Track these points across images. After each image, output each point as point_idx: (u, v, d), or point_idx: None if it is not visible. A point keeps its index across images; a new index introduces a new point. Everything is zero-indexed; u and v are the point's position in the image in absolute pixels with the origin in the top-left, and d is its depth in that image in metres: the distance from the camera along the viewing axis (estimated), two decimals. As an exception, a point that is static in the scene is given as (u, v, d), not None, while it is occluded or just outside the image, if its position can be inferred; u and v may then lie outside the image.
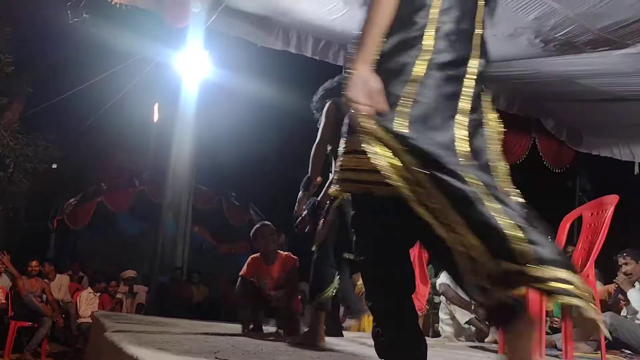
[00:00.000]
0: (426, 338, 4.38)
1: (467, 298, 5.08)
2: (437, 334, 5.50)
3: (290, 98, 6.27)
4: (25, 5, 7.67)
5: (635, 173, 7.33)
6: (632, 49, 4.76)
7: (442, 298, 5.26)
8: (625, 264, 4.29)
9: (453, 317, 5.11)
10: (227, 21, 5.17)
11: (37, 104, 8.62)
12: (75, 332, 7.81)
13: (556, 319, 4.72)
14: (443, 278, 5.32)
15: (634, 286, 4.29)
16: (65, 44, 8.35)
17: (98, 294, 8.07)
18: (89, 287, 8.15)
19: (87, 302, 7.85)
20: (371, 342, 1.81)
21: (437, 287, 5.47)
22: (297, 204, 3.30)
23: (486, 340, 4.87)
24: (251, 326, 3.87)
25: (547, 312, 4.82)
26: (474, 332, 5.09)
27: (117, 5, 4.74)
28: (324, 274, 3.11)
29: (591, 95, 6.12)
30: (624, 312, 4.41)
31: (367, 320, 6.00)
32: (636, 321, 4.15)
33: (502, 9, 4.39)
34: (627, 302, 4.35)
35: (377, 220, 1.64)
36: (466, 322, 5.04)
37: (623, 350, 3.97)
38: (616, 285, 4.38)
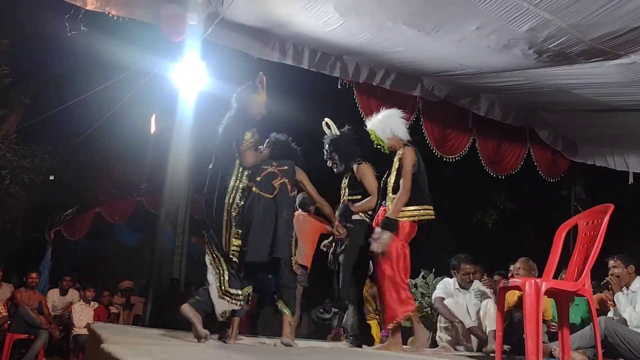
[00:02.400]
0: (424, 348, 4.36)
1: (465, 309, 5.12)
2: (435, 344, 5.50)
3: (286, 109, 6.30)
4: (23, 17, 7.71)
5: (630, 183, 7.38)
6: (625, 59, 4.79)
7: (440, 307, 5.28)
8: (615, 266, 4.40)
9: (453, 325, 5.12)
10: (224, 33, 5.20)
11: (34, 116, 8.63)
12: (71, 344, 7.77)
13: (553, 323, 4.74)
14: (438, 290, 5.35)
15: (622, 290, 4.37)
16: (63, 55, 8.38)
17: (90, 304, 8.04)
18: (80, 299, 8.12)
19: (81, 314, 7.82)
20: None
21: (433, 301, 5.50)
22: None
23: (484, 349, 4.88)
24: None
25: (544, 319, 4.84)
26: (471, 342, 5.09)
27: (115, 18, 4.77)
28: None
29: (585, 106, 6.16)
30: (610, 314, 4.47)
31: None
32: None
33: (496, 21, 4.44)
34: (614, 303, 4.42)
35: None
36: (467, 329, 5.04)
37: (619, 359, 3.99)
38: (605, 281, 4.48)
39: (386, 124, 4.26)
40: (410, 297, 4.07)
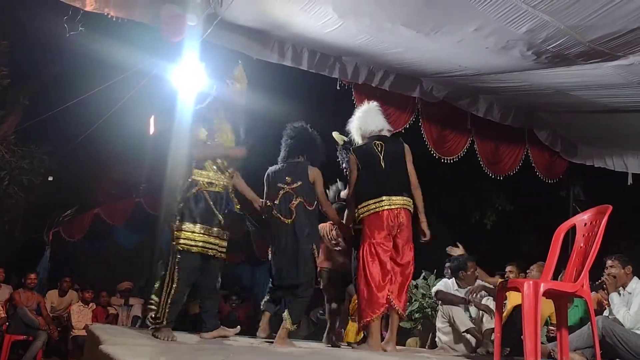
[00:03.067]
0: (423, 349, 4.40)
1: (459, 294, 5.15)
2: (434, 345, 5.51)
3: (285, 111, 6.30)
4: (22, 18, 7.70)
5: (629, 184, 7.39)
6: (623, 60, 4.79)
7: (440, 307, 5.29)
8: (612, 266, 4.39)
9: (451, 325, 5.13)
10: (223, 34, 5.20)
11: (33, 117, 8.63)
12: (70, 345, 7.77)
13: (552, 328, 4.75)
14: (438, 286, 5.36)
15: (617, 290, 4.37)
16: (62, 56, 8.37)
17: (89, 306, 8.04)
18: (79, 300, 8.13)
19: (79, 315, 7.82)
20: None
21: (434, 296, 5.50)
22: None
23: (478, 350, 4.89)
24: None
25: (547, 320, 4.85)
26: (470, 342, 5.10)
27: (114, 19, 4.76)
28: None
29: (584, 107, 6.17)
30: (605, 313, 4.47)
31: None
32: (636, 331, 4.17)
33: (494, 22, 4.44)
34: (609, 303, 4.42)
35: None
36: (464, 331, 5.06)
37: (617, 360, 3.99)
38: (600, 281, 4.48)
39: (356, 124, 4.40)
40: (377, 302, 3.97)
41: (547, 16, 4.26)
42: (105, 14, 4.70)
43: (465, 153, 6.92)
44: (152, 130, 8.68)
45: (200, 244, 3.69)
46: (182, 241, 3.66)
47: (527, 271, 5.31)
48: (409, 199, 4.17)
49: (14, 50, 7.54)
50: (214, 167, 3.86)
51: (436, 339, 5.37)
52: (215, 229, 3.76)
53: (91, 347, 3.37)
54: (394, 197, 4.10)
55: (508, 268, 5.58)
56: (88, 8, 4.62)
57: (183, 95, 5.58)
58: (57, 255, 12.01)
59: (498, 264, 6.26)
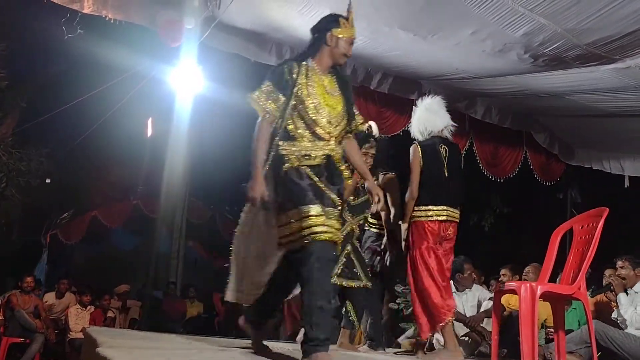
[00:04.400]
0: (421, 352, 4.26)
1: (462, 312, 5.12)
2: (432, 347, 5.50)
3: (283, 113, 6.27)
4: (20, 20, 7.70)
5: (626, 186, 7.41)
6: (620, 64, 4.81)
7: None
8: (622, 267, 4.34)
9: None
10: (220, 37, 5.21)
11: (31, 119, 8.64)
12: (67, 348, 7.75)
13: (551, 329, 4.74)
14: None
15: (625, 291, 4.35)
16: (60, 59, 8.38)
17: (87, 308, 8.01)
18: (76, 303, 8.10)
19: (77, 317, 7.79)
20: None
21: None
22: None
23: (477, 352, 4.89)
24: None
25: (543, 323, 4.85)
26: (469, 344, 5.10)
27: (112, 21, 4.77)
28: None
29: (581, 111, 6.18)
30: (614, 314, 4.45)
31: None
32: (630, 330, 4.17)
33: (491, 25, 4.46)
34: (617, 304, 4.40)
35: None
36: (463, 335, 5.05)
37: (614, 363, 3.98)
38: (609, 282, 4.44)
39: (422, 116, 3.99)
40: (447, 301, 3.74)
41: (543, 19, 4.27)
42: (103, 16, 4.70)
43: (463, 155, 6.92)
44: (149, 132, 8.69)
45: (326, 228, 2.67)
46: (311, 229, 2.64)
47: (524, 273, 5.31)
48: (458, 212, 3.98)
49: (12, 53, 7.54)
50: (308, 133, 2.84)
51: (434, 341, 5.36)
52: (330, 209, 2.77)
53: (88, 349, 3.36)
54: (452, 210, 3.89)
55: (502, 271, 5.57)
56: (86, 10, 4.63)
57: (181, 98, 5.61)
58: (54, 257, 11.99)
59: (496, 265, 6.27)
